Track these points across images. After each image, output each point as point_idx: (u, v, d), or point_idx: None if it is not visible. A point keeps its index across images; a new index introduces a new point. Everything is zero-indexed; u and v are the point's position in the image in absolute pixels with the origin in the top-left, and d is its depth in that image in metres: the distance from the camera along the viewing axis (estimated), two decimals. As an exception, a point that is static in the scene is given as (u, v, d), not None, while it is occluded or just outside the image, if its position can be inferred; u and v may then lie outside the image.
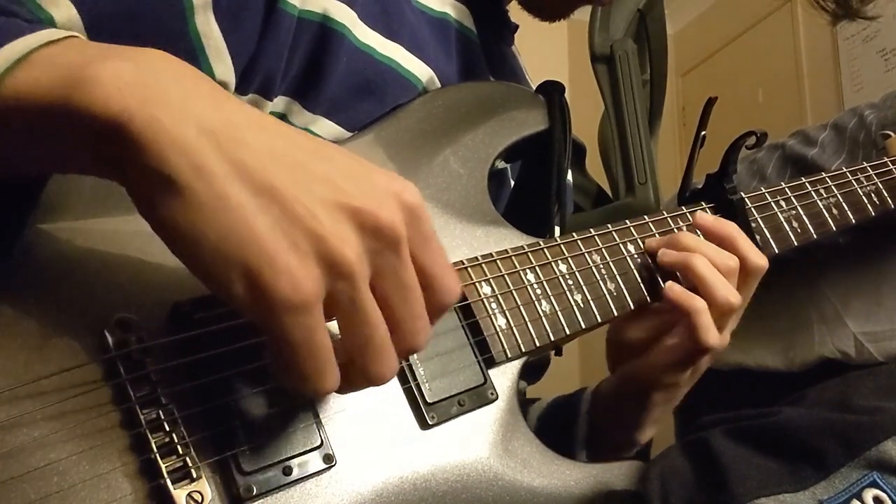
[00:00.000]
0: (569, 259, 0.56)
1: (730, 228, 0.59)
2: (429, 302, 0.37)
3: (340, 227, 0.33)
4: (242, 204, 0.32)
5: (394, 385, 0.47)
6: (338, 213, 0.33)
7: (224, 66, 0.46)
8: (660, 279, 0.58)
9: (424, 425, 0.47)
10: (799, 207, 0.67)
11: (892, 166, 0.75)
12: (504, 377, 0.51)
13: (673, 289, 0.56)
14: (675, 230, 0.60)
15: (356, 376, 0.36)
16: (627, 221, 0.60)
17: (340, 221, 0.33)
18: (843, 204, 0.70)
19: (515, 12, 0.73)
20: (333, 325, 0.35)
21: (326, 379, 0.34)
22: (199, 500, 0.38)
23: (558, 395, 0.71)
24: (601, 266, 0.57)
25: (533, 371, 0.70)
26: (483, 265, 0.52)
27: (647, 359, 0.59)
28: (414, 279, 0.36)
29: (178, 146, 0.31)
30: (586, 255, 0.57)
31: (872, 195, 0.72)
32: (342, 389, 0.37)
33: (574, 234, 0.57)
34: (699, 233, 0.60)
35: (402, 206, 0.35)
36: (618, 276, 0.57)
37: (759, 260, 0.58)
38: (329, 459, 0.43)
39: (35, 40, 0.34)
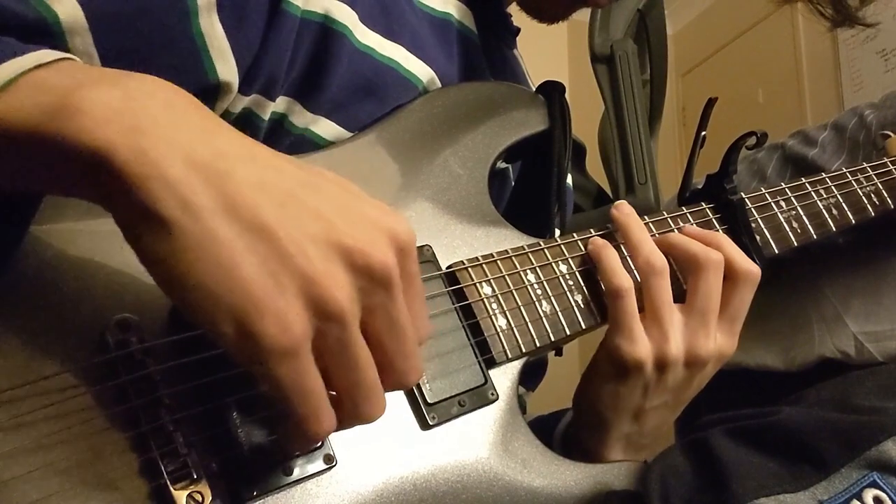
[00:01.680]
0: (569, 259, 0.56)
1: (716, 235, 0.58)
2: None
3: (331, 267, 0.32)
4: (230, 242, 0.31)
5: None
6: (328, 252, 0.32)
7: (227, 67, 0.46)
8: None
9: (425, 426, 0.47)
10: (799, 208, 0.67)
11: (891, 167, 0.75)
12: (504, 377, 0.52)
13: (593, 240, 0.57)
14: (676, 230, 0.60)
15: (344, 415, 0.35)
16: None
17: (331, 261, 0.32)
18: (843, 204, 0.70)
19: (515, 13, 0.73)
20: None
21: (321, 421, 0.34)
22: (200, 500, 0.38)
23: (541, 414, 0.70)
24: (601, 266, 0.57)
25: (531, 375, 0.69)
26: (483, 265, 0.52)
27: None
28: (406, 318, 0.35)
29: (164, 180, 0.30)
30: (587, 255, 0.57)
31: (872, 195, 0.72)
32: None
33: (574, 234, 0.57)
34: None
35: (394, 244, 0.34)
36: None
37: (748, 265, 0.56)
38: (329, 460, 0.43)
39: (24, 63, 0.33)
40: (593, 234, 0.58)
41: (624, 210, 0.58)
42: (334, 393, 0.35)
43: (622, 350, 0.53)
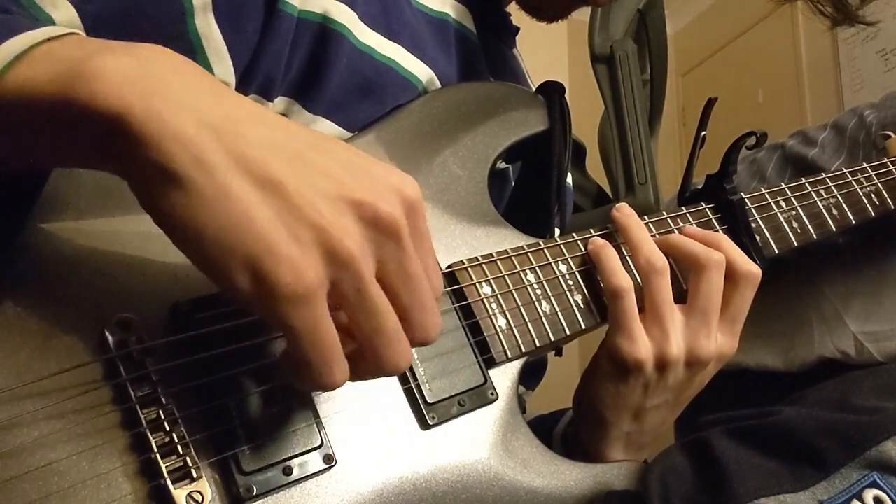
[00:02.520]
0: (569, 259, 0.56)
1: (717, 235, 0.58)
2: None
3: (341, 219, 0.33)
4: (243, 196, 0.32)
5: (394, 385, 0.47)
6: (338, 205, 0.33)
7: (224, 67, 0.46)
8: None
9: (425, 425, 0.47)
10: (799, 208, 0.67)
11: (891, 167, 0.75)
12: (504, 377, 0.52)
13: (593, 240, 0.57)
14: (676, 230, 0.60)
15: (368, 366, 0.36)
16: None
17: (341, 213, 0.33)
18: (843, 204, 0.70)
19: (514, 12, 0.73)
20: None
21: (334, 371, 0.34)
22: (200, 499, 0.38)
23: (541, 413, 0.70)
24: (601, 266, 0.57)
25: (532, 374, 0.69)
26: (483, 265, 0.52)
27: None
28: (419, 269, 0.36)
29: (179, 139, 0.31)
30: (586, 255, 0.57)
31: (872, 196, 0.72)
32: (354, 377, 0.37)
33: (574, 234, 0.57)
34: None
35: (401, 200, 0.35)
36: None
37: (748, 265, 0.56)
38: (329, 459, 0.43)
39: (36, 36, 0.34)
40: (593, 234, 0.58)
41: (624, 211, 0.58)
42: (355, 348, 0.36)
43: (622, 350, 0.53)
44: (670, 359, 0.53)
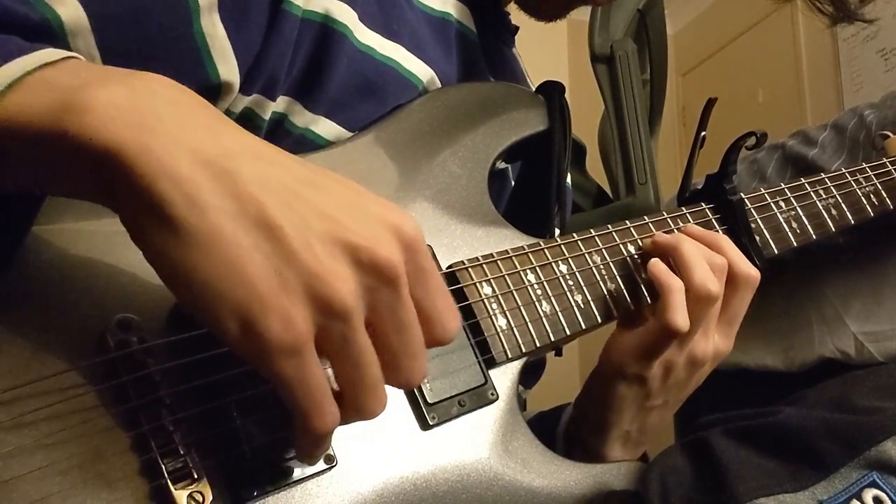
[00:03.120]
0: (569, 259, 0.56)
1: (718, 236, 0.58)
2: (426, 337, 0.36)
3: (336, 265, 0.32)
4: (236, 240, 0.31)
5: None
6: (334, 249, 0.32)
7: (229, 67, 0.46)
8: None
9: (425, 426, 0.47)
10: (798, 208, 0.67)
11: (890, 167, 0.75)
12: (504, 377, 0.52)
13: (656, 265, 0.55)
14: (675, 230, 0.60)
15: (346, 409, 0.35)
16: (627, 222, 0.60)
17: (336, 258, 0.32)
18: (843, 205, 0.70)
19: (514, 13, 0.73)
20: None
21: (324, 416, 0.34)
22: (200, 500, 0.38)
23: (542, 410, 0.70)
24: (601, 266, 0.57)
25: (530, 373, 0.69)
26: (483, 265, 0.52)
27: (614, 342, 0.57)
28: (412, 317, 0.35)
29: (171, 177, 0.30)
30: (587, 255, 0.57)
31: (871, 196, 0.72)
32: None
33: (574, 234, 0.57)
34: None
35: (400, 241, 0.34)
36: (618, 277, 0.57)
37: (748, 269, 0.56)
38: (330, 460, 0.43)
39: (31, 62, 0.33)
40: (593, 234, 0.58)
41: (680, 236, 0.57)
42: (336, 388, 0.35)
43: (637, 366, 0.55)
44: (675, 364, 0.55)
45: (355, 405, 0.35)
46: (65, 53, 0.35)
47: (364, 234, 0.33)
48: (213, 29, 0.45)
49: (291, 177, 0.33)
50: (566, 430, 0.63)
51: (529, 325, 0.52)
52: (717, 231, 0.62)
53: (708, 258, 0.55)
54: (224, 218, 0.31)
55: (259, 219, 0.31)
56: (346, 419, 0.36)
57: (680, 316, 0.53)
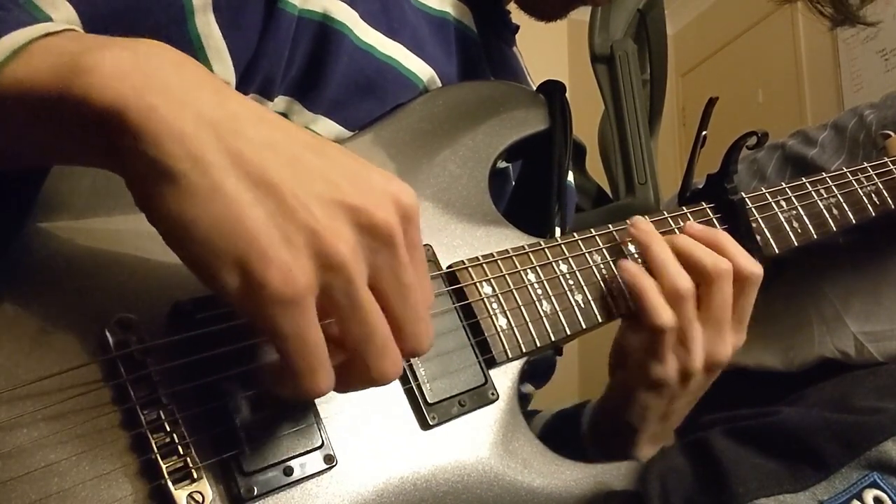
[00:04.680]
0: (569, 259, 0.56)
1: (719, 234, 0.58)
2: None
3: (335, 223, 0.33)
4: (237, 195, 0.31)
5: (394, 385, 0.47)
6: (333, 210, 0.33)
7: (224, 67, 0.46)
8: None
9: (425, 426, 0.47)
10: (799, 207, 0.67)
11: (892, 166, 0.75)
12: (505, 377, 0.51)
13: (626, 269, 0.56)
14: (676, 230, 0.60)
15: (358, 375, 0.36)
16: (628, 221, 0.60)
17: (336, 217, 0.33)
18: (844, 204, 0.70)
19: (514, 12, 0.73)
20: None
21: (318, 378, 0.34)
22: (200, 500, 0.38)
23: (561, 408, 0.71)
24: (602, 266, 0.57)
25: (540, 374, 0.69)
26: (484, 265, 0.52)
27: (623, 344, 0.58)
28: (413, 278, 0.35)
29: (175, 135, 0.31)
30: (587, 255, 0.57)
31: (873, 195, 0.72)
32: (343, 388, 0.37)
33: (574, 233, 0.57)
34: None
35: (397, 208, 0.35)
36: (619, 277, 0.57)
37: (751, 266, 0.56)
38: (330, 460, 0.43)
39: (35, 31, 0.33)
40: (593, 233, 0.58)
41: (641, 227, 0.58)
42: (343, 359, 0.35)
43: (652, 372, 0.55)
44: (693, 371, 0.55)
45: (367, 368, 0.35)
46: (66, 25, 0.35)
47: (362, 197, 0.34)
48: (208, 29, 0.45)
49: (294, 141, 0.34)
50: (591, 433, 0.64)
51: (530, 324, 0.52)
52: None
53: (714, 265, 0.55)
54: (226, 175, 0.31)
55: (261, 178, 0.32)
56: (356, 384, 0.36)
57: (660, 315, 0.53)
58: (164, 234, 0.33)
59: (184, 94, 0.32)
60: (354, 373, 0.36)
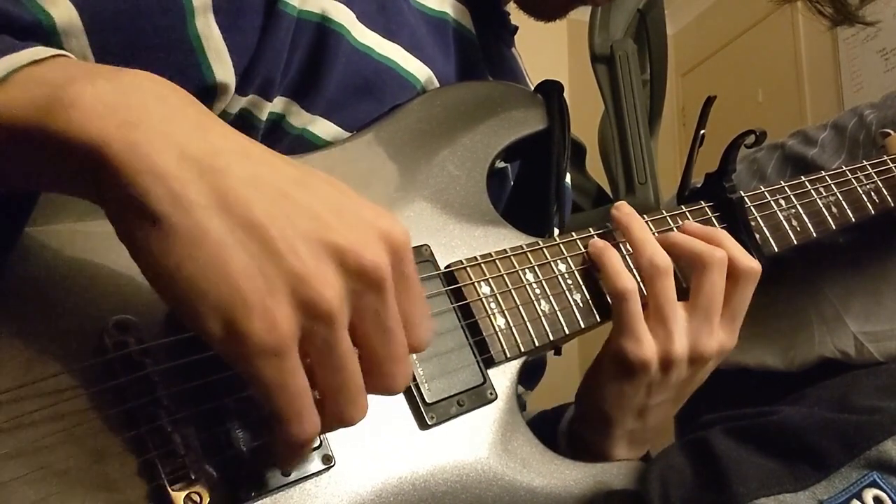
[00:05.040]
0: (568, 259, 0.56)
1: (717, 231, 0.58)
2: None
3: (322, 267, 0.32)
4: (220, 237, 0.31)
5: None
6: (320, 251, 0.32)
7: (224, 68, 0.46)
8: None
9: (424, 425, 0.47)
10: (798, 206, 0.67)
11: (891, 165, 0.75)
12: (503, 377, 0.51)
13: (593, 242, 0.56)
14: (675, 229, 0.60)
15: (326, 418, 0.35)
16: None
17: (322, 260, 0.32)
18: (843, 202, 0.70)
19: (514, 12, 0.73)
20: None
21: (303, 424, 0.33)
22: (198, 501, 0.38)
23: (544, 409, 0.70)
24: (600, 266, 0.57)
25: (531, 374, 0.69)
26: (482, 265, 0.52)
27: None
28: (397, 322, 0.35)
29: (157, 173, 0.30)
30: (585, 254, 0.57)
31: (872, 194, 0.72)
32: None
33: (573, 233, 0.57)
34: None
35: (388, 246, 0.34)
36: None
37: (749, 262, 0.56)
38: (328, 460, 0.43)
39: (19, 59, 0.33)
40: (592, 233, 0.58)
41: (624, 210, 0.58)
42: (317, 394, 0.35)
43: (628, 351, 0.53)
44: (674, 358, 0.53)
45: (336, 412, 0.35)
46: (54, 51, 0.34)
47: (351, 237, 0.33)
48: (208, 30, 0.45)
49: (280, 176, 0.33)
50: (568, 429, 0.63)
51: (528, 324, 0.52)
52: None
53: (707, 252, 0.55)
54: (209, 216, 0.31)
55: (245, 218, 0.31)
56: (326, 427, 0.36)
57: (621, 277, 0.53)
58: (144, 273, 0.32)
59: (166, 128, 0.31)
60: (323, 413, 0.35)
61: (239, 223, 0.31)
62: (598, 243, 0.56)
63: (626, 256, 0.57)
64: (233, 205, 0.31)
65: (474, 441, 0.48)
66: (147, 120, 0.31)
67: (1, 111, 0.32)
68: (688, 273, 0.57)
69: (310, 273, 0.31)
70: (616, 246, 0.57)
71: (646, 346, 0.53)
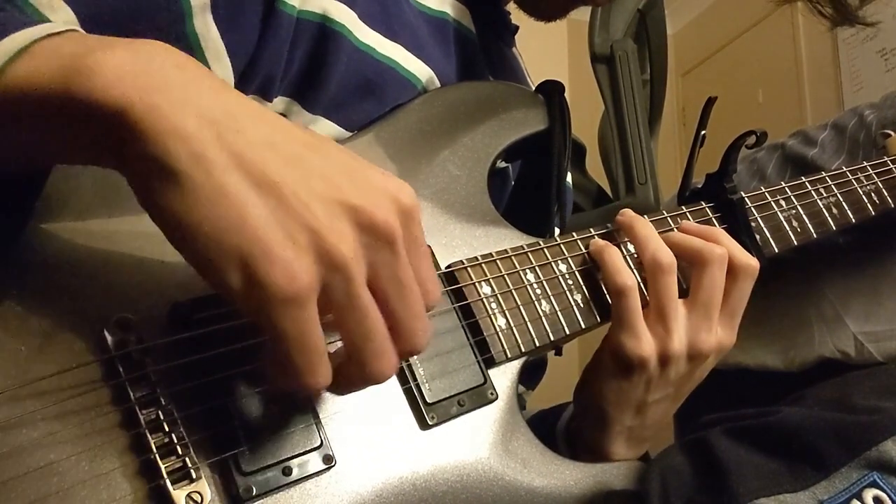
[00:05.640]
0: (569, 259, 0.56)
1: (715, 230, 0.58)
2: None
3: (336, 223, 0.33)
4: (240, 194, 0.32)
5: (393, 385, 0.47)
6: (334, 209, 0.33)
7: (223, 68, 0.46)
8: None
9: (424, 425, 0.47)
10: (799, 207, 0.67)
11: (891, 165, 0.75)
12: (504, 377, 0.51)
13: (594, 241, 0.57)
14: (675, 230, 0.60)
15: (354, 375, 0.36)
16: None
17: (336, 217, 0.33)
18: (843, 203, 0.70)
19: (514, 12, 0.73)
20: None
21: (317, 374, 0.34)
22: (199, 500, 0.38)
23: (541, 409, 0.70)
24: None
25: (531, 374, 0.69)
26: (483, 265, 0.52)
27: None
28: (411, 278, 0.36)
29: (178, 134, 0.31)
30: (586, 254, 0.57)
31: (872, 194, 0.72)
32: (341, 389, 0.37)
33: (574, 233, 0.57)
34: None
35: (397, 207, 0.35)
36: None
37: (747, 259, 0.56)
38: (329, 460, 0.43)
39: (37, 32, 0.34)
40: (593, 233, 0.58)
41: (628, 214, 0.58)
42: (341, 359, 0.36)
43: (626, 347, 0.53)
44: (673, 355, 0.53)
45: (363, 366, 0.36)
46: (68, 26, 0.35)
47: (363, 196, 0.34)
48: (206, 30, 0.46)
49: (293, 139, 0.34)
50: (567, 428, 0.63)
51: (529, 324, 0.52)
52: None
53: (706, 249, 0.55)
54: (228, 174, 0.32)
55: (262, 177, 0.32)
56: (353, 385, 0.37)
57: (621, 273, 0.53)
58: (166, 233, 0.33)
59: (185, 93, 0.32)
60: (351, 370, 0.36)
61: (255, 181, 0.32)
62: (599, 242, 0.57)
63: (627, 257, 0.57)
64: (249, 164, 0.32)
65: (475, 441, 0.48)
66: (167, 85, 0.32)
67: (24, 81, 0.33)
68: (687, 272, 0.57)
69: (325, 227, 0.33)
70: (617, 245, 0.57)
71: (644, 342, 0.53)
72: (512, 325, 0.52)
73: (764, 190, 0.66)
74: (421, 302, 0.37)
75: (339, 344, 0.36)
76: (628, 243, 0.58)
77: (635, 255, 0.58)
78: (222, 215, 0.31)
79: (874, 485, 0.46)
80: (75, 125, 0.33)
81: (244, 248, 0.31)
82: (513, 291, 0.53)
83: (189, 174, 0.31)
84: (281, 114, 0.51)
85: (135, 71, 0.32)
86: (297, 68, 0.51)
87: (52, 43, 0.34)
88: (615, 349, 0.54)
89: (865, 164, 0.74)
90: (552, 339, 0.53)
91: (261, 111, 0.35)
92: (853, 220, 0.70)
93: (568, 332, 0.54)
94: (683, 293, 0.55)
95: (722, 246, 0.55)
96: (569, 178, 0.75)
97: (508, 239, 0.56)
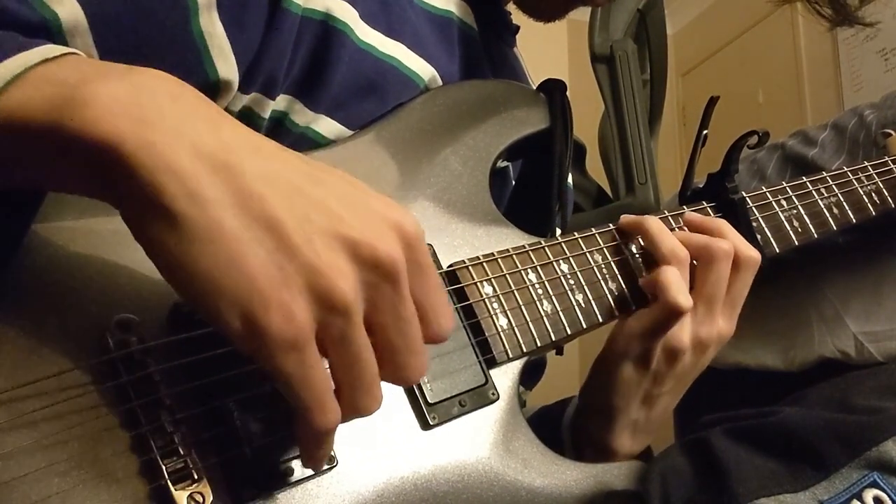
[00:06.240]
0: (570, 258, 0.56)
1: (719, 221, 0.59)
2: (423, 334, 0.36)
3: (337, 260, 0.32)
4: (236, 234, 0.31)
5: (395, 386, 0.47)
6: (335, 244, 0.32)
7: (227, 66, 0.46)
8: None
9: (426, 425, 0.47)
10: (800, 207, 0.67)
11: (892, 165, 0.75)
12: (505, 377, 0.51)
13: (623, 216, 0.57)
14: (676, 229, 0.60)
15: (343, 409, 0.35)
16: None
17: (337, 253, 0.32)
18: (844, 203, 0.70)
19: (514, 13, 0.73)
20: None
21: (326, 413, 0.34)
22: (201, 501, 0.38)
23: (543, 405, 0.70)
24: (603, 266, 0.57)
25: (530, 373, 0.69)
26: (484, 264, 0.52)
27: (619, 328, 0.57)
28: (412, 313, 0.35)
29: (172, 170, 0.30)
30: (588, 254, 0.57)
31: (873, 194, 0.72)
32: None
33: (575, 233, 0.57)
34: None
35: (400, 238, 0.34)
36: (619, 276, 0.57)
37: (749, 251, 0.57)
38: (330, 460, 0.43)
39: (31, 58, 0.33)
40: (594, 232, 0.58)
41: (629, 216, 0.59)
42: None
43: (679, 304, 0.54)
44: (681, 348, 0.55)
45: (351, 403, 0.35)
46: (65, 49, 0.35)
47: (365, 229, 0.33)
48: (212, 27, 0.45)
49: (292, 171, 0.33)
50: (572, 424, 0.63)
51: (530, 324, 0.52)
52: None
53: (714, 243, 0.56)
54: (224, 212, 0.31)
55: (260, 213, 0.31)
56: (343, 417, 0.36)
57: (682, 296, 0.53)
58: (162, 272, 0.32)
59: (180, 126, 0.31)
60: (341, 403, 0.35)
61: (254, 218, 0.31)
62: (629, 216, 0.57)
63: (629, 257, 0.57)
64: (247, 200, 0.31)
65: (476, 441, 0.48)
66: (161, 118, 0.31)
67: (16, 111, 0.32)
68: (697, 265, 0.57)
69: (324, 265, 0.32)
70: (622, 245, 0.58)
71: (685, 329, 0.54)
72: (513, 324, 0.52)
73: (765, 190, 0.66)
74: (419, 337, 0.36)
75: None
76: (630, 244, 0.58)
77: (638, 255, 0.58)
78: (218, 256, 0.30)
79: (874, 485, 0.46)
80: (68, 157, 0.32)
81: (241, 291, 0.31)
82: (514, 291, 0.53)
83: (183, 212, 0.30)
84: (283, 112, 0.51)
85: (129, 103, 0.31)
86: (300, 67, 0.51)
87: (47, 70, 0.33)
88: (628, 343, 0.55)
89: (866, 163, 0.74)
90: (554, 339, 0.53)
91: (258, 142, 0.34)
92: (854, 220, 0.70)
93: (569, 332, 0.54)
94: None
95: (727, 240, 0.56)
96: (569, 177, 0.75)
97: (510, 238, 0.56)
